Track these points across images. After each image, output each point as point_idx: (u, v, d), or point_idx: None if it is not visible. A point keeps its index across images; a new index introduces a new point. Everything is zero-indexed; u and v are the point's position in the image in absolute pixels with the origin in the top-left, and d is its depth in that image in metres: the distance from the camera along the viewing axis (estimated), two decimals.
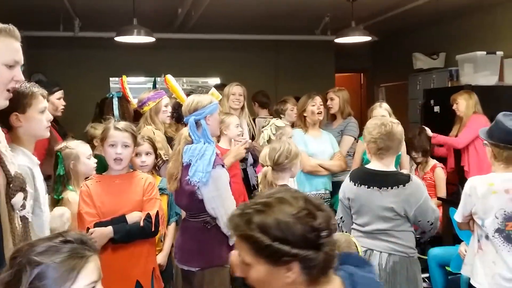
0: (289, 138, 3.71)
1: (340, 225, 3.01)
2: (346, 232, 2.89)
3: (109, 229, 2.61)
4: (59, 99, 3.93)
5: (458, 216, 2.78)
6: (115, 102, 4.13)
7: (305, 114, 4.23)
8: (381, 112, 4.18)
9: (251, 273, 1.28)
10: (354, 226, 2.91)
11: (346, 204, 2.94)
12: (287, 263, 1.23)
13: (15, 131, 2.22)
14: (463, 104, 4.90)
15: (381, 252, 2.76)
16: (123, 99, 4.20)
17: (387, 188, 2.75)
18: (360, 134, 4.52)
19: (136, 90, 4.42)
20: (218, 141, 3.80)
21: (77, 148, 2.97)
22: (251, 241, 1.25)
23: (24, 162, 2.16)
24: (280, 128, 3.85)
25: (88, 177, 2.87)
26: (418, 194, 2.76)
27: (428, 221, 2.79)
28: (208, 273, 2.78)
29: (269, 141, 3.78)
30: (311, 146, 4.17)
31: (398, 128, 2.83)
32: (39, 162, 2.33)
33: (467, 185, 2.74)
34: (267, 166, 3.00)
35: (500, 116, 2.67)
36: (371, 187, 2.79)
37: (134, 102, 4.10)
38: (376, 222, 2.78)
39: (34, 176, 2.18)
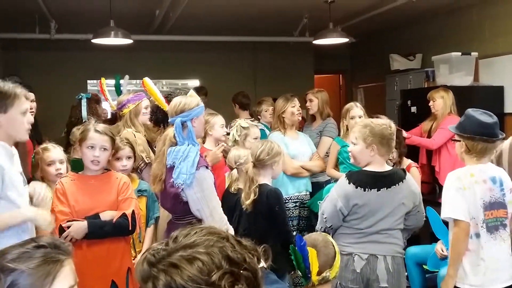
0: (255, 141, 3.68)
1: (327, 231, 2.86)
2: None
3: (85, 223, 2.62)
4: None
5: (462, 214, 2.64)
6: (84, 103, 4.12)
7: (284, 116, 4.25)
8: (359, 112, 4.18)
9: None
10: (349, 231, 2.79)
11: (345, 212, 2.77)
12: None
13: None
14: (440, 103, 4.94)
15: (385, 256, 2.73)
16: (92, 101, 4.19)
17: (395, 186, 2.75)
18: (339, 135, 4.55)
19: (115, 93, 4.38)
20: (204, 142, 3.80)
21: (42, 154, 3.04)
22: None
23: None
24: (245, 129, 3.84)
25: (63, 176, 2.88)
26: (416, 184, 2.88)
27: (423, 213, 2.87)
28: None
29: (235, 142, 3.79)
30: (292, 148, 4.21)
31: None
32: (15, 153, 2.34)
33: (453, 180, 2.72)
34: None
35: (470, 111, 2.75)
36: (381, 189, 2.73)
37: (113, 104, 4.08)
38: (383, 222, 2.75)
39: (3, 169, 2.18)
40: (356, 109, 4.17)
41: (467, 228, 2.65)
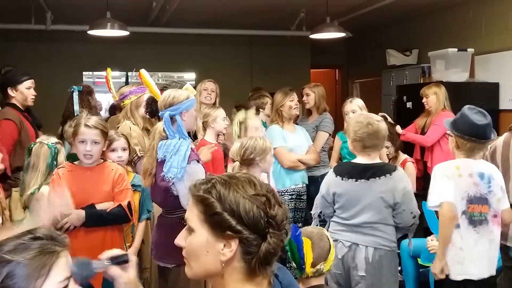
0: (257, 132, 3.70)
1: (315, 218, 3.02)
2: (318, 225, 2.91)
3: (83, 212, 2.70)
4: (28, 88, 3.88)
5: (447, 196, 2.69)
6: (75, 96, 4.12)
7: (282, 109, 4.31)
8: (352, 107, 4.19)
9: (191, 239, 1.27)
10: (336, 219, 2.91)
11: (329, 200, 2.92)
12: (228, 238, 1.21)
13: None
14: (433, 99, 4.96)
15: (367, 246, 2.80)
16: (84, 93, 4.20)
17: (375, 178, 2.79)
18: (337, 130, 4.58)
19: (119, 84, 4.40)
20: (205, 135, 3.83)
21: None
22: (204, 204, 1.24)
23: None
24: (242, 124, 3.88)
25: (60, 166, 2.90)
26: (404, 182, 2.85)
27: (411, 213, 2.83)
28: (184, 270, 2.77)
29: (239, 136, 3.81)
30: (290, 141, 4.28)
31: (383, 126, 2.91)
32: None
33: (438, 171, 2.81)
34: (236, 161, 3.03)
35: (466, 109, 2.81)
36: (359, 180, 2.81)
37: (116, 95, 4.08)
38: (364, 214, 2.80)
39: None
40: (348, 104, 4.21)
41: (453, 208, 2.69)
